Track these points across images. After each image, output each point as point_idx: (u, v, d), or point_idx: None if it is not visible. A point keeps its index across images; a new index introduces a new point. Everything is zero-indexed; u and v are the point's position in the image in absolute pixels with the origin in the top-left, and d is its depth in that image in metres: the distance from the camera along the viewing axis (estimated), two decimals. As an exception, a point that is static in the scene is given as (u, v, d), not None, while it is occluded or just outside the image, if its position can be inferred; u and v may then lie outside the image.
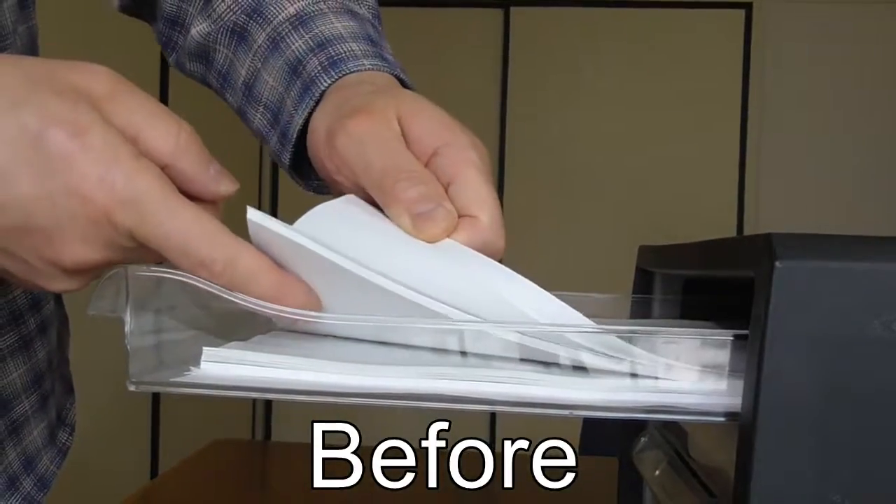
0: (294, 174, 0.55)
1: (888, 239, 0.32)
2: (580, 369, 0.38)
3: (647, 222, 3.29)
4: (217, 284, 0.38)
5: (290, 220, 0.43)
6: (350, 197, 0.45)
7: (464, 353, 0.38)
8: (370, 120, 0.45)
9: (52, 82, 0.37)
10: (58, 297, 0.64)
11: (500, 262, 0.42)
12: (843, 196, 3.35)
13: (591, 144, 3.40)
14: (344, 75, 0.51)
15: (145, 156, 0.38)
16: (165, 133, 0.38)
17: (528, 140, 3.36)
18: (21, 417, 0.58)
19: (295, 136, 0.52)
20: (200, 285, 0.38)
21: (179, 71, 0.63)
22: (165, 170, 0.38)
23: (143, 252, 0.39)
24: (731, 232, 3.36)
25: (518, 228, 3.37)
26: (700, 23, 3.41)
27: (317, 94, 0.51)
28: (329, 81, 0.51)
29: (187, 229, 0.37)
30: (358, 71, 0.51)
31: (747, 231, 3.34)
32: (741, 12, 3.41)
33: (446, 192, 0.43)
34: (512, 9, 3.43)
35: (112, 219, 0.37)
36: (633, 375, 0.37)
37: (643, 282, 0.58)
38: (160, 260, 0.39)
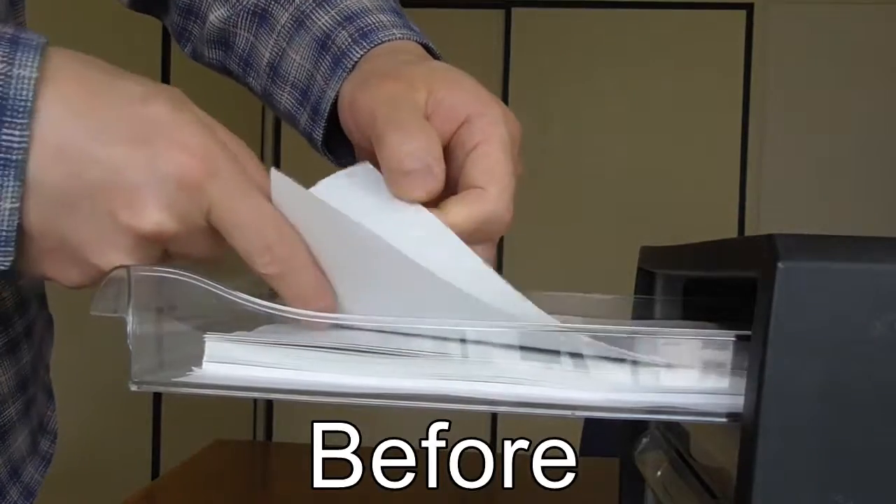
0: (325, 151, 0.55)
1: (890, 239, 0.32)
2: (582, 369, 0.38)
3: (648, 223, 3.29)
4: (269, 269, 0.39)
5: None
6: (354, 169, 0.45)
7: (465, 352, 0.39)
8: (395, 84, 0.45)
9: (146, 78, 0.40)
10: (42, 298, 0.63)
11: (502, 239, 0.42)
12: (843, 196, 3.35)
13: (592, 145, 3.40)
14: (375, 46, 0.51)
15: None
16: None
17: (529, 141, 3.34)
18: (7, 424, 0.57)
19: (328, 109, 0.52)
20: (202, 285, 0.38)
21: (196, 61, 0.63)
22: None
23: (204, 238, 0.39)
24: (733, 232, 3.36)
25: (519, 229, 3.37)
26: (701, 24, 3.41)
27: (349, 66, 0.51)
28: (361, 52, 0.51)
29: (264, 212, 0.39)
30: (389, 41, 0.51)
31: (748, 232, 3.34)
32: (742, 13, 3.41)
33: (464, 160, 0.43)
34: (513, 10, 3.43)
35: (203, 188, 0.37)
36: (635, 376, 0.37)
37: (645, 282, 0.58)
38: (212, 251, 0.40)
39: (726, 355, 0.37)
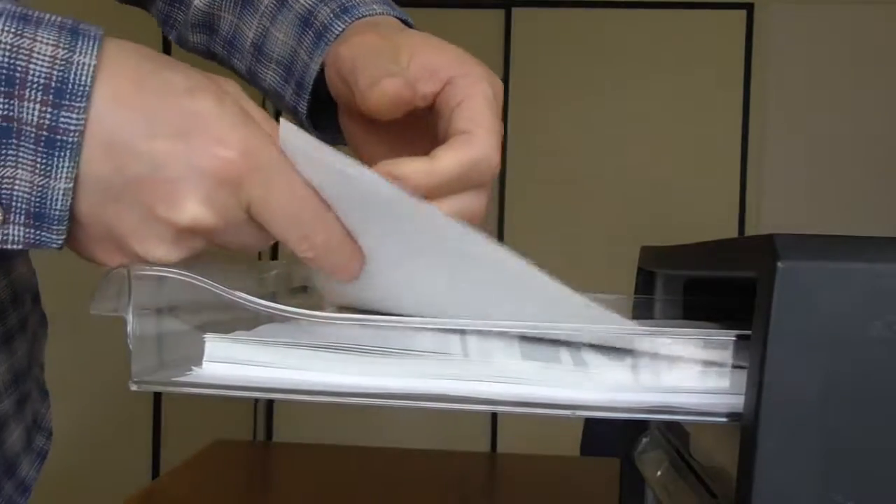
0: (310, 124, 0.57)
1: (889, 239, 0.32)
2: (582, 369, 0.38)
3: (648, 223, 3.28)
4: (307, 254, 0.40)
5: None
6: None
7: (465, 351, 0.39)
8: (377, 38, 0.48)
9: (196, 69, 0.40)
10: (35, 295, 0.63)
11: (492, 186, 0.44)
12: (843, 196, 3.35)
13: (593, 145, 3.40)
14: (356, 20, 0.53)
15: None
16: None
17: (530, 141, 3.35)
18: (1, 418, 0.57)
19: (311, 82, 0.54)
20: (202, 284, 0.38)
21: (181, 47, 0.65)
22: None
23: (246, 229, 0.40)
24: (733, 232, 3.36)
25: (519, 229, 3.37)
26: (701, 23, 3.40)
27: (331, 39, 0.52)
28: (342, 26, 0.52)
29: (303, 203, 0.39)
30: (370, 15, 0.53)
31: (748, 232, 3.34)
32: (742, 13, 3.40)
33: (450, 116, 0.46)
34: (513, 10, 3.43)
35: (242, 183, 0.38)
36: (635, 375, 0.37)
37: (645, 282, 0.58)
38: (257, 242, 0.40)
39: (726, 355, 0.37)
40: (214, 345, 0.38)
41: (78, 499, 2.20)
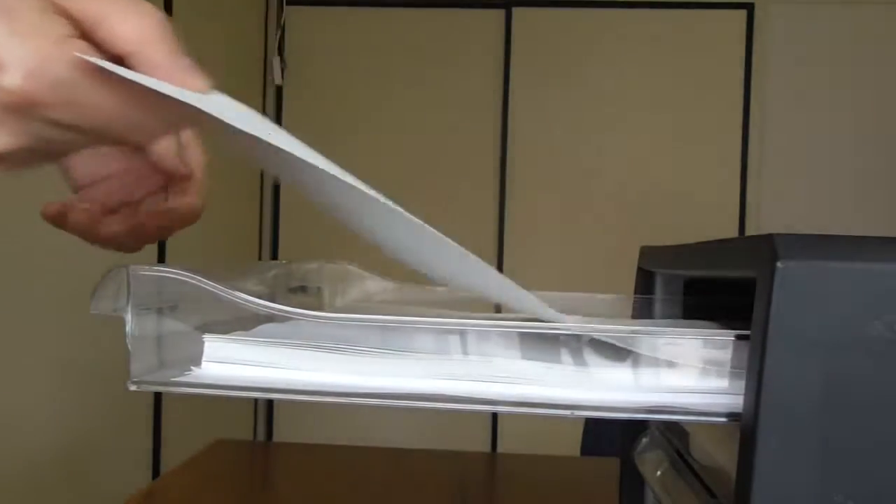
0: None
1: (889, 239, 0.32)
2: (582, 369, 0.38)
3: (648, 223, 3.29)
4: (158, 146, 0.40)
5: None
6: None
7: (465, 349, 0.39)
8: None
9: None
10: None
11: None
12: (843, 196, 3.35)
13: (593, 145, 3.40)
14: None
15: (108, 42, 0.37)
16: (133, 20, 0.38)
17: (530, 140, 3.35)
18: None
19: None
20: (202, 284, 0.38)
21: None
22: (130, 57, 0.37)
23: (70, 140, 0.38)
24: (733, 232, 3.36)
25: (520, 229, 3.37)
26: (702, 23, 3.41)
27: None
28: None
29: (122, 107, 0.37)
30: None
31: (749, 231, 3.34)
32: (743, 13, 3.41)
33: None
34: (514, 9, 3.43)
35: (37, 107, 0.36)
36: (635, 375, 0.37)
37: (645, 282, 0.58)
38: (84, 141, 0.38)
39: (726, 355, 0.37)
40: (214, 345, 0.38)
41: (78, 499, 2.20)
